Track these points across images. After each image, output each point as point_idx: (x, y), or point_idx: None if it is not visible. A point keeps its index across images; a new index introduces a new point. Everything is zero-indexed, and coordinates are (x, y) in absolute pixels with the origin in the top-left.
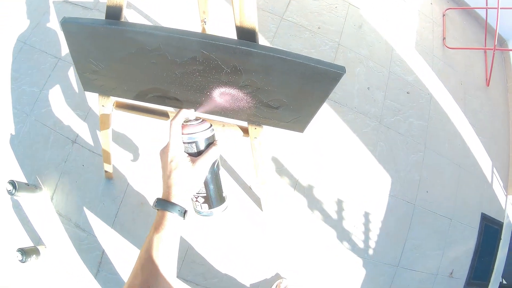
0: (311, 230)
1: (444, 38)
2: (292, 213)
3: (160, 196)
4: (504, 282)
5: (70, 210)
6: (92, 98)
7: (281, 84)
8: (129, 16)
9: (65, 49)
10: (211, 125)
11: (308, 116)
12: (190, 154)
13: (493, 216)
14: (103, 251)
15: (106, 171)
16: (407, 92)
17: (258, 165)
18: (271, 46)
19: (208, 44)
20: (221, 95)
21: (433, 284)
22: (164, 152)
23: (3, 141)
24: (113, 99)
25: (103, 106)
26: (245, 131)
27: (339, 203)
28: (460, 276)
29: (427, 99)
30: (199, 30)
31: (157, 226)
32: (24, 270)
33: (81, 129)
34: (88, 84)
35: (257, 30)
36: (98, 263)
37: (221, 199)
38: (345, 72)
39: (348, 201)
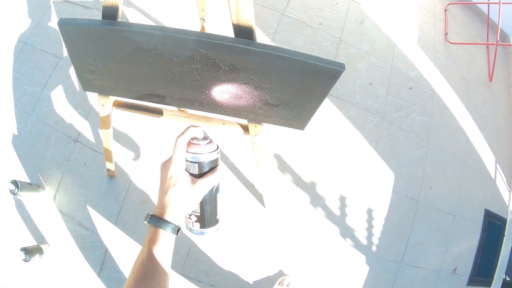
0: (314, 227)
1: (446, 33)
2: (295, 210)
3: (154, 210)
4: (508, 278)
5: (72, 208)
6: (93, 97)
7: (281, 82)
8: (129, 14)
9: (65, 49)
10: (217, 148)
11: (309, 114)
12: (191, 174)
13: (496, 212)
14: (106, 249)
15: (108, 170)
16: (410, 88)
17: (259, 163)
18: (271, 42)
19: (205, 42)
20: (220, 93)
21: (437, 280)
22: (165, 166)
23: (5, 141)
24: (113, 98)
25: (103, 105)
26: (246, 129)
27: (342, 199)
28: (463, 272)
29: (430, 94)
30: (198, 28)
31: (151, 242)
32: (28, 269)
33: (83, 127)
34: (87, 84)
35: (254, 27)
36: (101, 261)
37: (214, 221)
38: (344, 69)
39: (351, 198)
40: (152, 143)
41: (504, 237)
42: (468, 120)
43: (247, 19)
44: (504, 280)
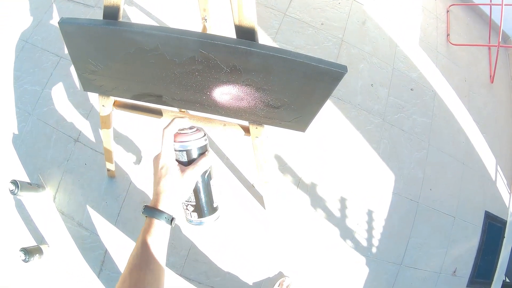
0: (314, 228)
1: (448, 35)
2: (295, 211)
3: (150, 202)
4: (507, 280)
5: (72, 209)
6: (94, 97)
7: (282, 84)
8: (130, 13)
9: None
10: (205, 135)
11: (310, 116)
12: (181, 163)
13: (496, 214)
14: (106, 250)
15: (108, 170)
16: (411, 89)
17: (260, 165)
18: (273, 42)
19: (206, 43)
20: (221, 94)
21: (437, 282)
22: (156, 158)
23: (5, 140)
24: (113, 98)
25: (103, 106)
26: (246, 130)
27: (342, 201)
28: (463, 274)
29: (431, 96)
30: (200, 28)
31: (145, 233)
32: (27, 270)
33: (84, 127)
34: (87, 84)
35: (256, 28)
36: (101, 262)
37: (211, 209)
38: (346, 71)
39: (351, 199)
40: (152, 143)
41: (504, 239)
42: (469, 121)
43: (249, 19)
44: (504, 281)
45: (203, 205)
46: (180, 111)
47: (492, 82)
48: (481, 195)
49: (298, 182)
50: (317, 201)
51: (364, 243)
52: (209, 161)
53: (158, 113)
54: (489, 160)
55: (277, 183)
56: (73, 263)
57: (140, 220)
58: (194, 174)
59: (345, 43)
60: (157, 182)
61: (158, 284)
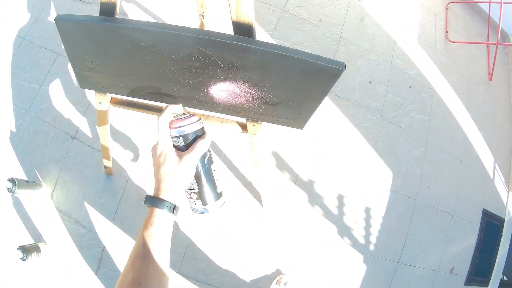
0: (311, 225)
1: (446, 32)
2: (293, 208)
3: (152, 192)
4: (505, 278)
5: (70, 206)
6: (91, 93)
7: (280, 81)
8: (127, 10)
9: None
10: (199, 118)
11: (308, 113)
12: (179, 149)
13: (494, 212)
14: (104, 248)
15: (105, 167)
16: (409, 86)
17: (257, 162)
18: (271, 39)
19: (203, 40)
20: (219, 91)
21: (434, 280)
22: (154, 148)
23: (2, 138)
24: (110, 95)
25: (100, 103)
26: (244, 127)
27: (340, 198)
28: (461, 272)
29: (429, 93)
30: (198, 24)
31: (146, 223)
32: (25, 268)
33: (81, 124)
34: (84, 81)
35: (254, 25)
36: (99, 259)
37: (215, 195)
38: (345, 68)
39: (349, 197)
40: (149, 140)
41: (502, 237)
42: (467, 119)
43: (247, 15)
44: (502, 279)
45: (206, 191)
46: None
47: (490, 80)
48: (479, 193)
49: (296, 179)
50: (315, 199)
51: (362, 240)
52: (207, 143)
53: (155, 110)
54: (487, 158)
55: (275, 180)
56: (70, 261)
57: (138, 218)
58: (192, 157)
59: (343, 40)
60: (156, 170)
61: (162, 275)
